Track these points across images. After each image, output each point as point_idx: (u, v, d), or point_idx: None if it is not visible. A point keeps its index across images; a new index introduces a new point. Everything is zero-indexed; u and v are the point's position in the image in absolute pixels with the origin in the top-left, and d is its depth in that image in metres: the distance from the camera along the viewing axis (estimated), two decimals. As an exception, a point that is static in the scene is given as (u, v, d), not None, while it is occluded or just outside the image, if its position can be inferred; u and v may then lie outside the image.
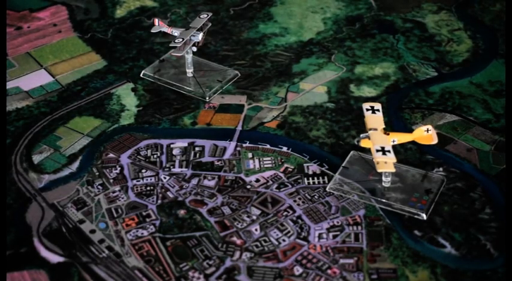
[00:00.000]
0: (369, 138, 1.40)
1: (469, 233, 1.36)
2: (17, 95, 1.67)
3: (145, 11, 1.93)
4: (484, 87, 1.68)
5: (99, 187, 1.46)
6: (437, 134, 1.43)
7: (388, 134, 1.40)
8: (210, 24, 1.69)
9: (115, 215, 1.40)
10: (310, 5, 1.95)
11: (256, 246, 1.35)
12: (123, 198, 1.44)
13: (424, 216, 1.38)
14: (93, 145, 1.55)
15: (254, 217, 1.40)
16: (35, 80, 1.72)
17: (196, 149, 1.54)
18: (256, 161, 1.51)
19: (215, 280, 1.30)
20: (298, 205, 1.42)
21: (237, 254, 1.34)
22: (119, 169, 1.49)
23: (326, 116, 1.61)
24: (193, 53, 1.68)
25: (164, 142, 1.55)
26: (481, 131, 1.57)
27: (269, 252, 1.34)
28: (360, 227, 1.38)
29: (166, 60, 1.75)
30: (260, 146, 1.54)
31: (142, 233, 1.37)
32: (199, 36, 1.64)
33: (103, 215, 1.40)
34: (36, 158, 1.52)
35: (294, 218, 1.40)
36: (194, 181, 1.47)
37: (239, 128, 1.59)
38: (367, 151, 1.44)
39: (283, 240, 1.36)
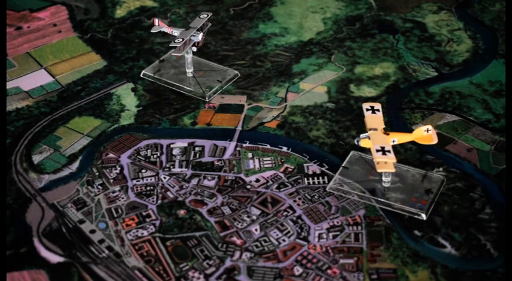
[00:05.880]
0: (369, 138, 1.40)
1: (469, 233, 1.36)
2: (17, 95, 1.67)
3: (145, 11, 1.93)
4: (484, 87, 1.68)
5: (99, 187, 1.46)
6: (437, 134, 1.43)
7: (388, 134, 1.40)
8: (210, 24, 1.69)
9: (115, 215, 1.41)
10: (310, 5, 1.95)
11: (256, 246, 1.35)
12: (123, 198, 1.44)
13: (424, 216, 1.38)
14: (93, 145, 1.55)
15: (254, 217, 1.40)
16: (35, 80, 1.72)
17: (196, 149, 1.54)
18: (256, 161, 1.51)
19: (215, 280, 1.30)
20: (298, 205, 1.42)
21: (237, 254, 1.34)
22: (118, 168, 1.49)
23: (326, 116, 1.61)
24: (193, 53, 1.68)
25: (164, 142, 1.55)
26: (481, 131, 1.57)
27: (269, 252, 1.34)
28: (360, 227, 1.38)
29: (166, 60, 1.75)
30: (260, 146, 1.54)
31: (142, 233, 1.37)
32: (199, 36, 1.64)
33: (103, 215, 1.40)
34: (36, 158, 1.52)
35: (294, 218, 1.40)
36: (194, 181, 1.47)
37: (239, 128, 1.59)
38: (367, 151, 1.44)
39: (283, 240, 1.36)
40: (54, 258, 1.33)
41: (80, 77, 1.73)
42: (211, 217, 1.40)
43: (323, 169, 1.49)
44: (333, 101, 1.65)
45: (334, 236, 1.36)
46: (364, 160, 1.48)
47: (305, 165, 1.50)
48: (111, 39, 1.84)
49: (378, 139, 1.39)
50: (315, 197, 1.43)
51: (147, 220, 1.40)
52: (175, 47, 1.62)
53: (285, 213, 1.41)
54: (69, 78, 1.72)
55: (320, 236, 1.36)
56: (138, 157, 1.52)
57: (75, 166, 1.50)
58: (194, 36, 1.64)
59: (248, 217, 1.40)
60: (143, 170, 1.49)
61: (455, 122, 1.59)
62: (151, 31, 1.69)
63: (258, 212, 1.41)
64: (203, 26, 1.66)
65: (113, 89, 1.69)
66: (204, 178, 1.48)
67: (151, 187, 1.46)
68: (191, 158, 1.52)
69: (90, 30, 1.87)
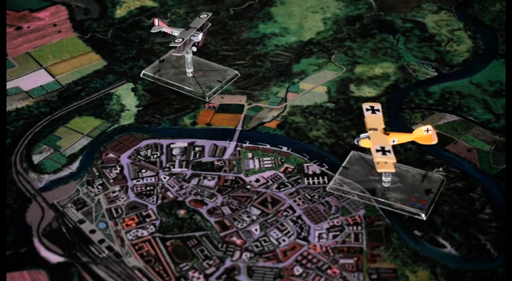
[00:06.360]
0: (369, 138, 1.40)
1: (469, 233, 1.36)
2: (17, 95, 1.67)
3: (145, 11, 1.93)
4: (484, 87, 1.68)
5: (99, 187, 1.46)
6: (437, 134, 1.43)
7: (388, 134, 1.40)
8: (210, 24, 1.69)
9: (115, 215, 1.41)
10: (310, 5, 1.95)
11: (256, 246, 1.35)
12: (123, 198, 1.44)
13: (424, 216, 1.38)
14: (93, 145, 1.55)
15: (254, 217, 1.40)
16: (35, 80, 1.72)
17: (196, 149, 1.54)
18: (256, 161, 1.51)
19: (215, 280, 1.30)
20: (298, 205, 1.42)
21: (237, 254, 1.34)
22: (118, 168, 1.49)
23: (326, 116, 1.61)
24: (193, 53, 1.68)
25: (164, 142, 1.55)
26: (481, 131, 1.57)
27: (269, 252, 1.34)
28: (360, 227, 1.38)
29: (166, 60, 1.75)
30: (260, 146, 1.54)
31: (142, 233, 1.37)
32: (199, 36, 1.64)
33: (103, 215, 1.40)
34: (36, 158, 1.52)
35: (294, 218, 1.40)
36: (194, 181, 1.47)
37: (239, 128, 1.59)
38: (367, 151, 1.44)
39: (283, 240, 1.36)
40: (54, 258, 1.33)
41: (80, 77, 1.73)
42: (211, 217, 1.40)
43: (323, 169, 1.49)
44: (333, 101, 1.65)
45: (334, 236, 1.36)
46: (364, 160, 1.48)
47: (305, 165, 1.50)
48: (111, 39, 1.84)
49: (377, 139, 1.39)
50: (315, 197, 1.43)
51: (147, 220, 1.40)
52: (175, 47, 1.62)
53: (285, 213, 1.41)
54: (69, 78, 1.72)
55: (320, 236, 1.36)
56: (138, 157, 1.52)
57: (75, 166, 1.50)
58: (194, 36, 1.64)
59: (248, 217, 1.40)
60: (143, 170, 1.49)
61: (455, 122, 1.59)
62: (151, 31, 1.70)
63: (258, 212, 1.41)
64: (203, 26, 1.66)
65: (113, 89, 1.69)
66: (204, 178, 1.48)
67: (152, 187, 1.46)
68: (191, 158, 1.52)
69: (90, 30, 1.87)
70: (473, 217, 1.39)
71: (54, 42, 1.83)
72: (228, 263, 1.32)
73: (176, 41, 1.62)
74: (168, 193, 1.45)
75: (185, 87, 1.68)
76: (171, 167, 1.50)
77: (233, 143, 1.55)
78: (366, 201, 1.42)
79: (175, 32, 1.66)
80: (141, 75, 1.72)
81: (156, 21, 1.69)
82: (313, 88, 1.69)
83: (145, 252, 1.34)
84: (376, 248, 1.34)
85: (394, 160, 1.36)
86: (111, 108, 1.64)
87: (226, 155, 1.52)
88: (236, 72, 1.72)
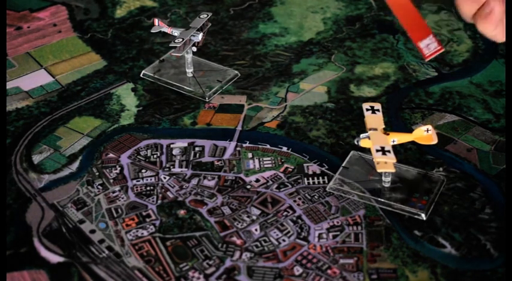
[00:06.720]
0: (369, 138, 1.40)
1: (469, 233, 1.36)
2: (17, 95, 1.67)
3: (145, 11, 1.93)
4: (484, 87, 1.68)
5: (99, 187, 1.46)
6: (437, 134, 1.43)
7: (388, 134, 1.40)
8: (210, 24, 1.69)
9: (115, 215, 1.41)
10: (310, 5, 1.95)
11: (256, 246, 1.35)
12: (123, 198, 1.44)
13: (424, 216, 1.38)
14: (93, 145, 1.55)
15: (254, 217, 1.40)
16: (35, 80, 1.72)
17: (196, 149, 1.54)
18: (256, 161, 1.51)
19: (215, 280, 1.30)
20: (298, 205, 1.42)
21: (237, 254, 1.34)
22: (118, 168, 1.49)
23: (326, 116, 1.61)
24: (193, 53, 1.68)
25: (164, 142, 1.55)
26: (481, 131, 1.57)
27: (269, 252, 1.34)
28: (360, 227, 1.38)
29: (166, 60, 1.75)
30: (260, 146, 1.54)
31: (142, 233, 1.37)
32: (199, 36, 1.64)
33: (103, 215, 1.40)
34: (36, 158, 1.52)
35: (294, 218, 1.40)
36: (194, 181, 1.47)
37: (239, 128, 1.59)
38: (367, 151, 1.44)
39: (283, 240, 1.36)
40: (54, 258, 1.33)
41: (80, 77, 1.73)
42: (211, 217, 1.40)
43: (323, 169, 1.49)
44: (333, 101, 1.65)
45: (334, 236, 1.36)
46: (364, 160, 1.48)
47: (305, 165, 1.50)
48: (111, 39, 1.84)
49: (377, 139, 1.39)
50: (315, 197, 1.43)
51: (147, 220, 1.40)
52: (175, 47, 1.62)
53: (285, 213, 1.41)
54: (69, 78, 1.72)
55: (320, 236, 1.36)
56: (138, 157, 1.52)
57: (75, 166, 1.50)
58: (194, 36, 1.64)
59: (248, 217, 1.40)
60: (143, 170, 1.49)
61: (455, 122, 1.59)
62: (151, 31, 1.69)
63: (258, 212, 1.41)
64: (203, 26, 1.66)
65: (113, 89, 1.69)
66: (204, 178, 1.48)
67: (152, 187, 1.46)
68: (191, 158, 1.52)
69: (90, 30, 1.87)
70: (473, 217, 1.39)
71: (54, 42, 1.83)
72: (228, 263, 1.32)
73: (176, 41, 1.62)
74: (168, 193, 1.45)
75: (185, 87, 1.68)
76: (171, 167, 1.50)
77: (233, 143, 1.55)
78: (366, 201, 1.42)
79: (175, 32, 1.66)
80: (141, 75, 1.72)
81: (156, 21, 1.69)
82: (313, 88, 1.69)
83: (145, 252, 1.34)
84: (376, 248, 1.34)
85: (394, 160, 1.36)
86: (111, 108, 1.64)
87: (226, 155, 1.52)
88: (236, 72, 1.72)
